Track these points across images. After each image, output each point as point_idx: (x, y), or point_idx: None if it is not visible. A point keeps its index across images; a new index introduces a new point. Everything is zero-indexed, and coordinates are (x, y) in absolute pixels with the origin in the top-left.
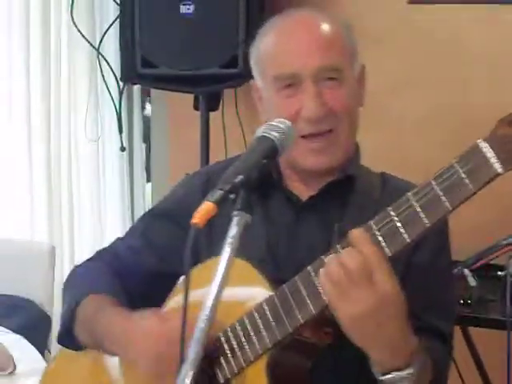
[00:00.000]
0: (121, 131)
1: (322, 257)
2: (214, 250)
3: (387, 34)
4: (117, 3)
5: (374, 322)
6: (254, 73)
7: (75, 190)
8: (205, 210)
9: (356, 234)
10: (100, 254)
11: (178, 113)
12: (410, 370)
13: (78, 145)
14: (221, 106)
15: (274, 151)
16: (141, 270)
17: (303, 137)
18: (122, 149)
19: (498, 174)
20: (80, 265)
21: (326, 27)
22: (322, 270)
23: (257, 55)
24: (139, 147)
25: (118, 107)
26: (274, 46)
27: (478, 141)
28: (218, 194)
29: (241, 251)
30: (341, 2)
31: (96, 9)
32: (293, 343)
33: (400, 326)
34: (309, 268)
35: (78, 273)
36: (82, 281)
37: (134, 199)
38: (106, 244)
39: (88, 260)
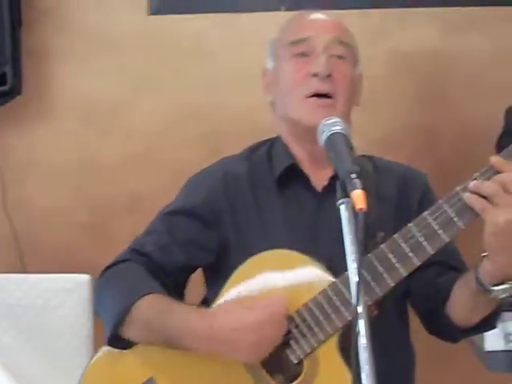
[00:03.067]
0: None
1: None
2: (241, 230)
3: (130, 43)
4: None
5: None
6: (268, 58)
7: None
8: (362, 196)
9: (498, 159)
10: (128, 255)
11: None
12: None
13: None
14: None
15: (349, 142)
16: (172, 266)
17: (310, 96)
18: None
19: None
20: (111, 267)
21: (340, 22)
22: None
23: (274, 39)
24: None
25: None
26: (292, 22)
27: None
28: (358, 182)
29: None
30: (84, 9)
31: None
32: None
33: None
34: (382, 247)
35: (115, 274)
36: (126, 282)
37: None
38: None
39: (118, 262)
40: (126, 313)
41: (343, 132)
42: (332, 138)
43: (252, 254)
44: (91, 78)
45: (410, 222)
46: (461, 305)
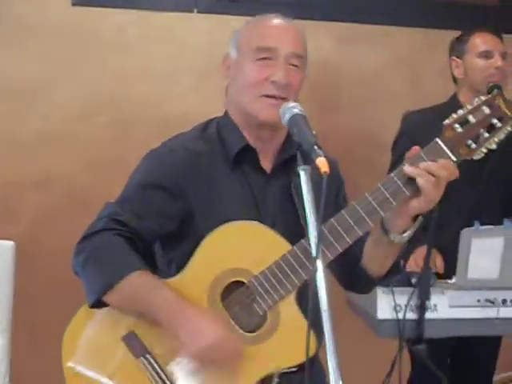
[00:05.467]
0: None
1: (392, 175)
2: (202, 202)
3: (52, 31)
4: None
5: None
6: (231, 48)
7: None
8: (325, 162)
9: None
10: (109, 224)
11: None
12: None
13: None
14: None
15: (308, 121)
16: (147, 234)
17: (265, 96)
18: None
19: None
20: (93, 234)
21: (299, 30)
22: (422, 170)
23: (241, 33)
24: None
25: None
26: (262, 27)
27: (436, 139)
28: (321, 151)
29: (227, 207)
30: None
31: None
32: None
33: None
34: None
35: (102, 244)
36: (115, 254)
37: None
38: None
39: (101, 230)
40: (116, 282)
41: (303, 113)
42: (295, 117)
43: (211, 224)
44: (14, 61)
45: (333, 201)
46: (374, 257)
